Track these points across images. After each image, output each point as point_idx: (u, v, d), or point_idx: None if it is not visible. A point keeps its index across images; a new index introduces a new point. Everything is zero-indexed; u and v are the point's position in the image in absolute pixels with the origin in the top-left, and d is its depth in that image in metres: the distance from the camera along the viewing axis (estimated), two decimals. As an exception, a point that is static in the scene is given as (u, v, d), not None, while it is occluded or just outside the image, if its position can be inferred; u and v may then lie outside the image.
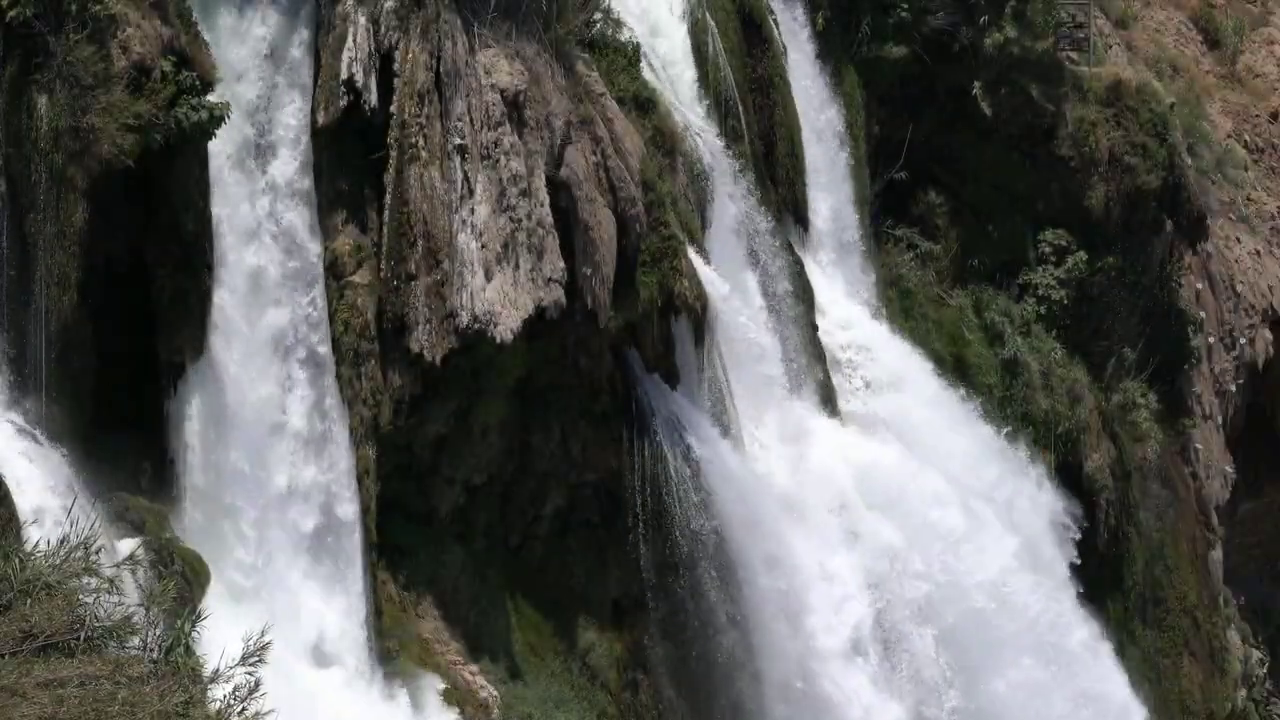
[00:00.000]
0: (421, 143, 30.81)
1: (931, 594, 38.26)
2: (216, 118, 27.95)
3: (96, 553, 14.51)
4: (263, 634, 13.65)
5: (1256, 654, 52.37)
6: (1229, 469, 50.74)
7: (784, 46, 40.75)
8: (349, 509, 30.57)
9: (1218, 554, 49.79)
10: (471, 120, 31.27)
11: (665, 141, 35.66)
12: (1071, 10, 47.72)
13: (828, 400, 39.21)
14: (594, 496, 34.49)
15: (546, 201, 31.86)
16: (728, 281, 36.10)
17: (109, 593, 14.58)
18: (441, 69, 31.15)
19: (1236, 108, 55.89)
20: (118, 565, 15.01)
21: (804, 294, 38.84)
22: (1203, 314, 49.42)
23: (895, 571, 37.76)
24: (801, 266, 39.18)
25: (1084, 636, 41.91)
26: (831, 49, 42.62)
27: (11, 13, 26.46)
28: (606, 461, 34.33)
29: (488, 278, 31.01)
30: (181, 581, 26.46)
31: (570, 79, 33.02)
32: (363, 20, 30.56)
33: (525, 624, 33.42)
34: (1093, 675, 41.71)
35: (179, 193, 28.11)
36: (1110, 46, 50.31)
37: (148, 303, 28.48)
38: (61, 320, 26.94)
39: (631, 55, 35.67)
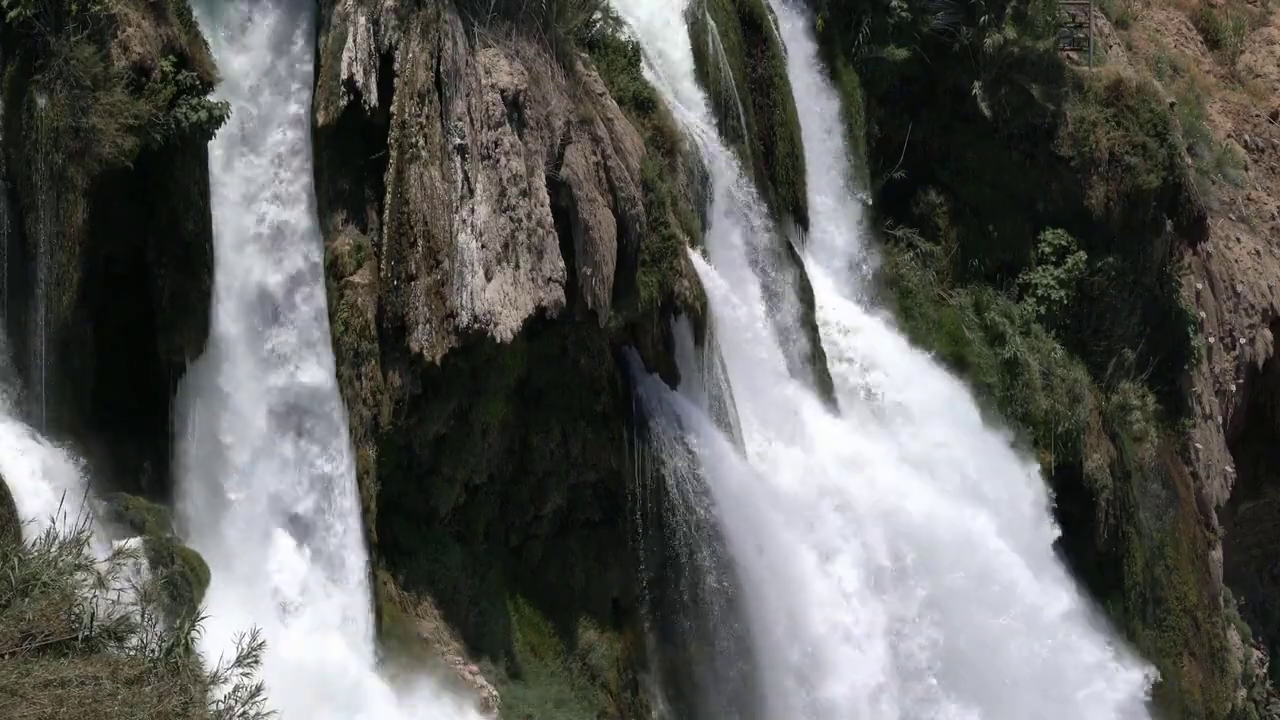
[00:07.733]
0: (421, 143, 30.80)
1: (932, 595, 38.28)
2: (216, 117, 27.98)
3: (87, 543, 14.51)
4: (254, 636, 13.63)
5: (1256, 654, 52.33)
6: (1229, 469, 50.67)
7: (784, 46, 40.72)
8: (349, 508, 30.58)
9: (1218, 554, 49.74)
10: (471, 120, 31.27)
11: (665, 141, 35.64)
12: (1071, 10, 47.67)
13: (827, 399, 39.21)
14: (594, 496, 34.49)
15: (546, 201, 31.85)
16: (728, 281, 36.09)
17: (102, 587, 14.57)
18: (441, 69, 31.15)
19: (1236, 108, 55.83)
20: (110, 559, 15.01)
21: (804, 293, 38.85)
22: (1203, 314, 49.34)
23: (896, 571, 37.76)
24: (801, 266, 39.19)
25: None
26: (831, 49, 42.59)
27: (11, 13, 26.49)
28: (606, 461, 34.33)
29: (488, 277, 31.00)
30: (181, 581, 26.47)
31: (570, 79, 33.00)
32: (363, 20, 30.56)
33: (525, 624, 33.42)
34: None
35: (179, 193, 28.13)
36: (1110, 46, 50.26)
37: (148, 303, 28.50)
38: (61, 320, 26.95)
39: (631, 55, 35.66)
